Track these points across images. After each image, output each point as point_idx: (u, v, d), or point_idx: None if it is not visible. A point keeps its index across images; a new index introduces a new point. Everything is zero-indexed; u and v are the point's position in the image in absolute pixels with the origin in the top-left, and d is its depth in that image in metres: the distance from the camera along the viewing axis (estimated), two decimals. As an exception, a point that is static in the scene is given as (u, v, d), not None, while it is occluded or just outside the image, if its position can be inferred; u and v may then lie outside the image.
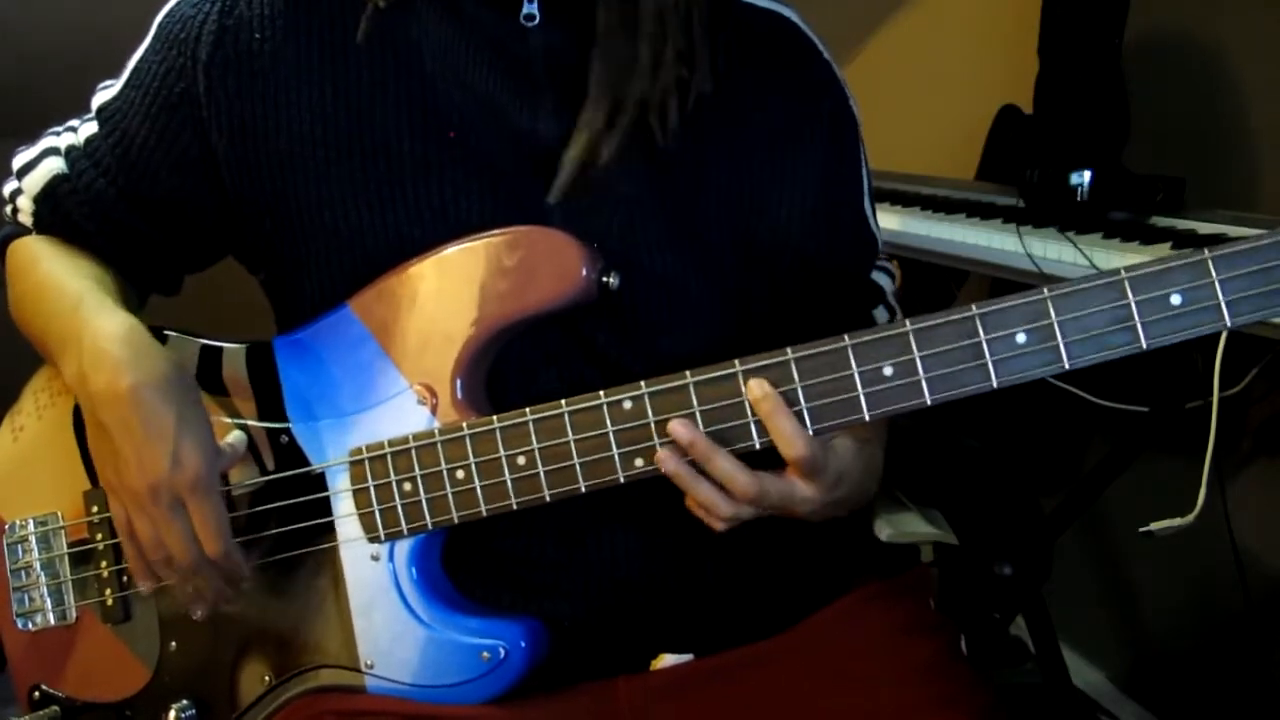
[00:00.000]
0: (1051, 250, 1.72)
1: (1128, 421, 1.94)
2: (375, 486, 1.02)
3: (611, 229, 1.03)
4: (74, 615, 1.13)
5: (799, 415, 0.93)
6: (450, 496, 1.00)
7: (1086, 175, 1.79)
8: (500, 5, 1.03)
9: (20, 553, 1.14)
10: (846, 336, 0.92)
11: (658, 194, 1.04)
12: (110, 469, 1.00)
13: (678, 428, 0.94)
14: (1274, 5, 1.88)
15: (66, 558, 1.13)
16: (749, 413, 0.94)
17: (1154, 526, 1.65)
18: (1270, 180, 1.91)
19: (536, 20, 1.03)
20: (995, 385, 0.90)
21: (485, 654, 1.00)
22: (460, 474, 1.00)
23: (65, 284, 1.07)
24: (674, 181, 1.05)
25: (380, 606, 1.03)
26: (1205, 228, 1.65)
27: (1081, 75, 1.92)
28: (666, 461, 0.95)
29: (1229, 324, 0.86)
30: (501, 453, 0.98)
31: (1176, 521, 1.63)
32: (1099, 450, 2.18)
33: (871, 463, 1.06)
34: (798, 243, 1.10)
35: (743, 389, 0.93)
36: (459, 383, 1.01)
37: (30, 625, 1.14)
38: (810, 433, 0.94)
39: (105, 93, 1.12)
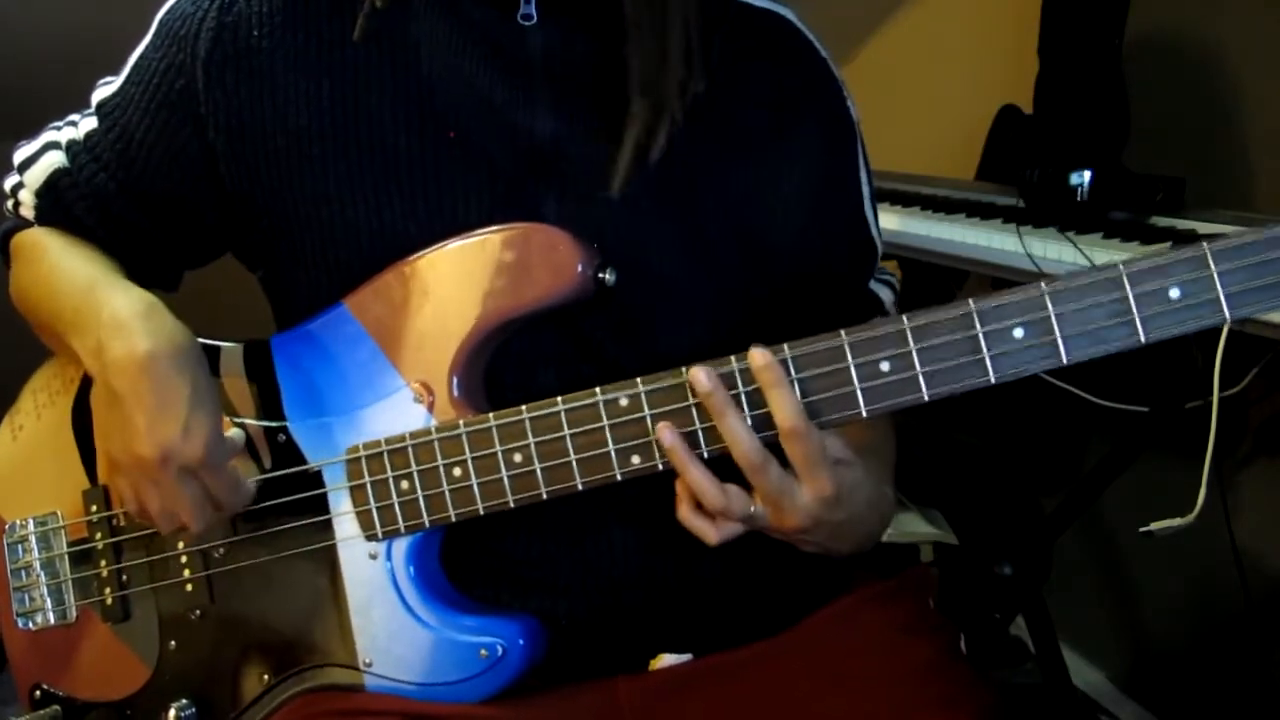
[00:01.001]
0: (1051, 250, 1.71)
1: (1128, 421, 1.94)
2: (372, 484, 1.02)
3: (608, 226, 1.03)
4: (74, 614, 1.13)
5: None
6: (447, 494, 1.00)
7: (1086, 175, 1.78)
8: (497, 4, 1.03)
9: (20, 552, 1.14)
10: (843, 332, 0.91)
11: (655, 192, 1.04)
12: (118, 441, 0.99)
13: (699, 374, 0.92)
14: (1274, 5, 1.88)
15: (66, 557, 1.13)
16: (745, 407, 0.93)
17: (1154, 526, 1.65)
18: (1270, 180, 1.90)
19: (534, 19, 1.03)
20: (993, 380, 0.89)
21: (483, 652, 1.00)
22: (457, 471, 0.99)
23: (77, 268, 1.08)
24: (672, 179, 1.05)
25: (378, 605, 1.03)
26: (1205, 228, 1.65)
27: (1081, 75, 1.92)
28: (665, 433, 0.94)
29: (1228, 317, 0.85)
30: (498, 449, 0.98)
31: (1176, 521, 1.62)
32: (1099, 450, 2.18)
33: (878, 498, 1.03)
34: (793, 242, 1.10)
35: (739, 384, 0.93)
36: (456, 380, 1.01)
37: (31, 625, 1.14)
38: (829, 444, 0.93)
39: (106, 88, 1.12)
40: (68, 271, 1.08)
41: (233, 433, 1.04)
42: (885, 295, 1.19)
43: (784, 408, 0.91)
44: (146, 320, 0.99)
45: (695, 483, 0.93)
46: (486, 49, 1.04)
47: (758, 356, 0.92)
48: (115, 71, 1.13)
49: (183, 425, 0.96)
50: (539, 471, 0.97)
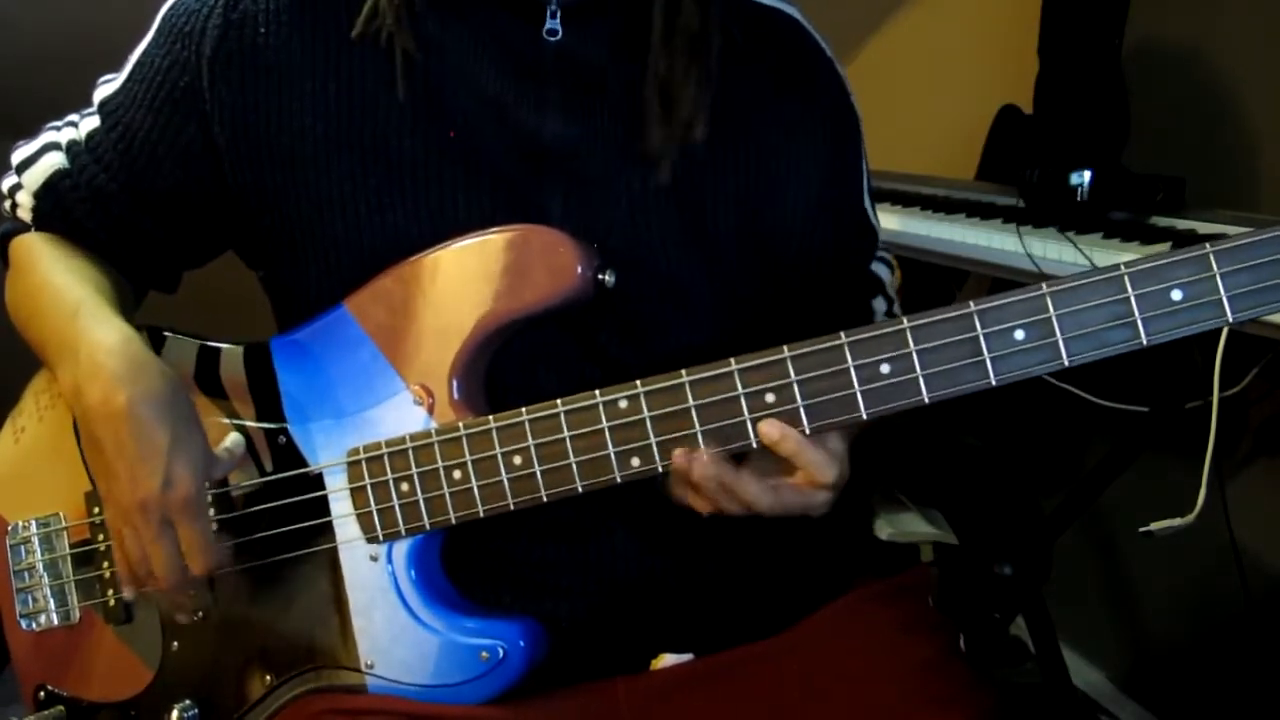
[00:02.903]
0: (1051, 250, 1.72)
1: (1128, 421, 1.94)
2: (373, 487, 1.02)
3: (614, 227, 1.03)
4: (77, 616, 1.13)
5: (794, 414, 0.93)
6: (447, 496, 1.00)
7: (1086, 175, 1.78)
8: (521, 13, 1.03)
9: (23, 553, 1.15)
10: (843, 334, 0.91)
11: (661, 191, 1.04)
12: (103, 482, 0.99)
13: (681, 459, 0.93)
14: (1274, 6, 1.88)
15: (69, 558, 1.13)
16: (744, 411, 0.93)
17: (1154, 526, 1.65)
18: (1270, 180, 1.91)
19: (559, 35, 1.03)
20: (994, 382, 0.89)
21: (484, 654, 1.01)
22: (457, 474, 1.00)
23: (64, 289, 1.06)
24: (677, 178, 1.05)
25: (379, 607, 1.03)
26: (1205, 228, 1.65)
27: (1081, 75, 1.92)
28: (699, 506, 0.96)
29: (1231, 319, 0.85)
30: (498, 452, 0.98)
31: (1176, 521, 1.62)
32: (1099, 450, 2.18)
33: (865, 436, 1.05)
34: (801, 238, 1.11)
35: (739, 387, 0.93)
36: (456, 383, 1.01)
37: (34, 625, 1.15)
38: (832, 450, 0.94)
39: (107, 86, 1.11)
40: (53, 294, 1.06)
41: (232, 438, 1.04)
42: (884, 274, 1.21)
43: (813, 467, 0.93)
44: (121, 361, 0.97)
45: (753, 501, 0.95)
46: (497, 48, 1.04)
47: (770, 431, 0.92)
48: (116, 70, 1.11)
49: (163, 476, 0.96)
50: (539, 474, 0.97)
